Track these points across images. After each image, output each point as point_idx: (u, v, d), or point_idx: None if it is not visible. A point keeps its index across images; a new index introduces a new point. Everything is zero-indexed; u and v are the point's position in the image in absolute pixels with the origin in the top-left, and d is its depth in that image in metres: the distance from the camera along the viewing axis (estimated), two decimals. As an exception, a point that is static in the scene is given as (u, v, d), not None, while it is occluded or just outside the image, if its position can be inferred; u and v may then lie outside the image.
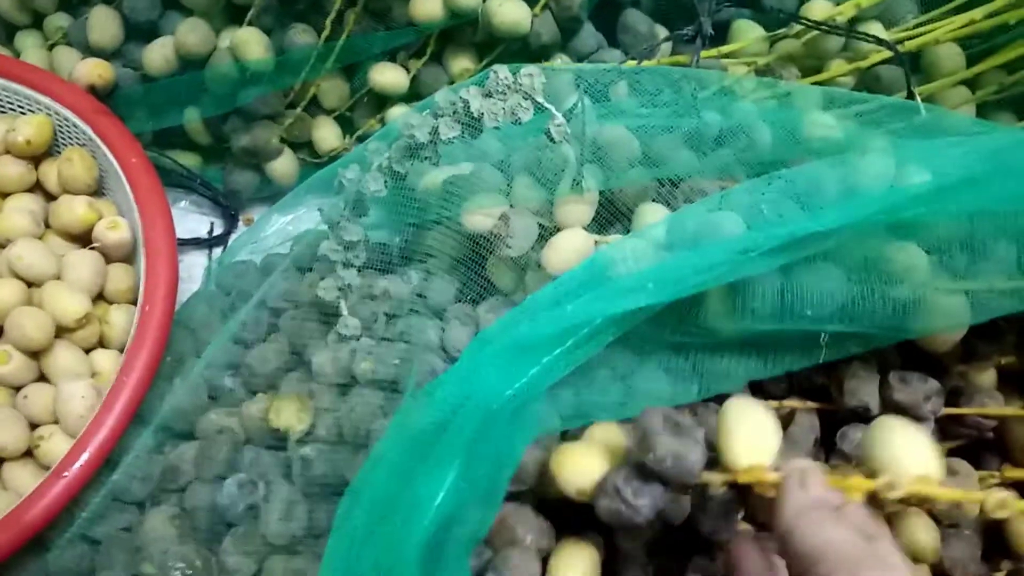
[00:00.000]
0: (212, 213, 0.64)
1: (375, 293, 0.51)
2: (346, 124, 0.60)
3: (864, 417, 0.42)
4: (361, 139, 0.58)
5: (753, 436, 0.31)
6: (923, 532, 0.41)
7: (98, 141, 0.55)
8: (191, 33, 0.56)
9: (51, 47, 0.61)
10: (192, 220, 0.63)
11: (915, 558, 0.41)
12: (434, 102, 0.41)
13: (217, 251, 0.62)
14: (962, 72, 0.52)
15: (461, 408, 0.33)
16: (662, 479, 0.31)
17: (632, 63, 0.49)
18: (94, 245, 0.53)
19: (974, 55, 0.53)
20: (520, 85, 0.39)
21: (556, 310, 0.34)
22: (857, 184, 0.37)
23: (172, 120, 0.59)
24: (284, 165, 0.60)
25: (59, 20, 0.61)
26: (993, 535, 0.44)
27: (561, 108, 0.45)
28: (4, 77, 0.56)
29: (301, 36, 0.55)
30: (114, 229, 0.53)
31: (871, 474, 0.30)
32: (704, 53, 0.52)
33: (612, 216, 0.46)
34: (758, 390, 0.44)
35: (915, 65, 0.54)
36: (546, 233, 0.46)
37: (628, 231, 0.46)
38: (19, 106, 0.57)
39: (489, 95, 0.39)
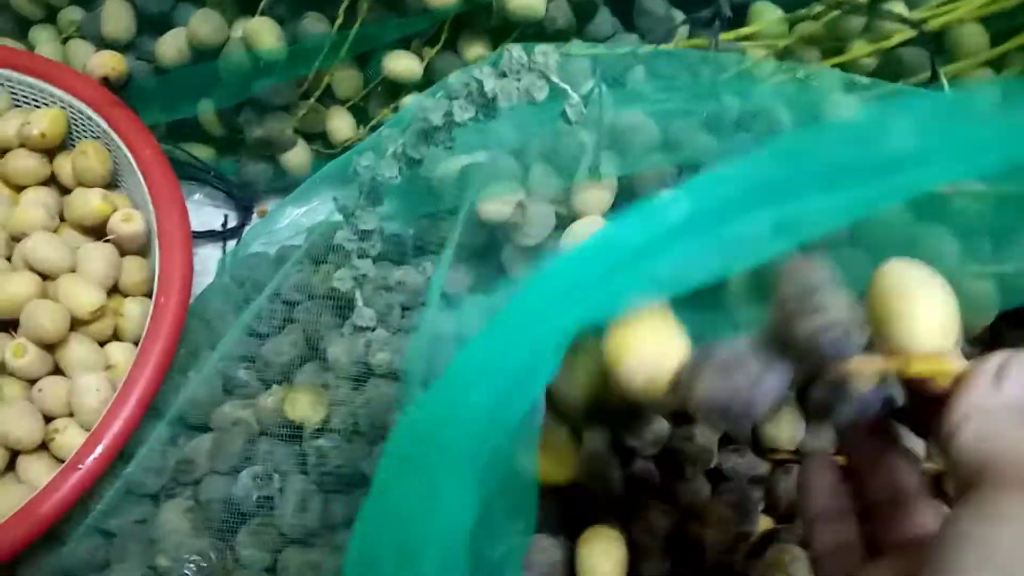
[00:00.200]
0: (226, 205, 0.63)
1: (390, 284, 0.51)
2: (360, 114, 0.60)
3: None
4: (375, 129, 0.57)
5: (934, 313, 0.24)
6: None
7: (112, 133, 0.55)
8: (204, 24, 0.55)
9: (65, 40, 0.60)
10: (206, 213, 0.63)
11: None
12: (448, 84, 0.40)
13: (231, 243, 0.62)
14: (986, 52, 0.51)
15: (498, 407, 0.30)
16: (812, 354, 0.22)
17: (649, 47, 0.48)
18: (109, 238, 0.53)
19: (999, 35, 0.52)
20: (534, 64, 0.38)
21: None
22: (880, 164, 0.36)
23: (186, 112, 0.59)
24: (298, 156, 0.59)
25: (72, 14, 0.60)
26: None
27: (579, 92, 0.45)
28: (18, 71, 0.56)
29: (314, 25, 0.54)
30: (128, 221, 0.53)
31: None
32: (722, 36, 0.51)
33: (631, 203, 0.45)
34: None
35: (938, 46, 0.52)
36: (564, 221, 0.45)
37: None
38: (33, 99, 0.57)
39: (503, 75, 0.38)
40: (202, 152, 0.62)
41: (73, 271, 0.51)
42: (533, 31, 0.53)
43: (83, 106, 0.55)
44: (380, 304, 0.49)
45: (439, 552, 0.27)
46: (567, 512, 0.38)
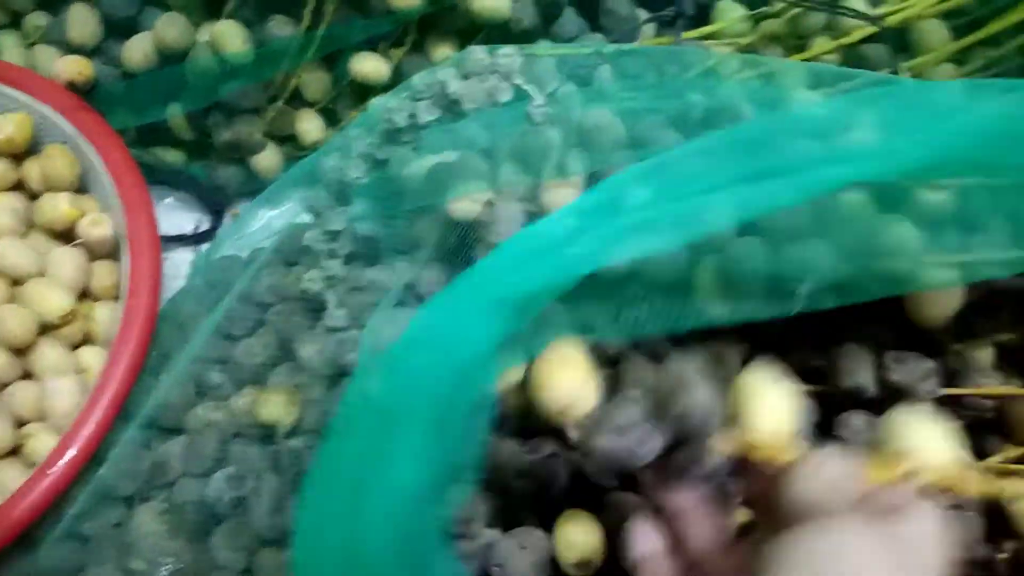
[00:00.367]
0: (198, 209, 0.63)
1: (362, 285, 0.51)
2: (330, 116, 0.60)
3: (861, 399, 0.42)
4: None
5: (778, 408, 0.31)
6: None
7: (79, 138, 0.55)
8: (170, 28, 0.55)
9: (30, 46, 0.60)
10: (178, 217, 0.63)
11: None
12: (412, 85, 0.41)
13: (203, 247, 0.62)
14: (947, 46, 0.52)
15: (431, 370, 0.32)
16: (681, 430, 0.30)
17: (614, 47, 0.48)
18: (77, 242, 0.53)
19: (959, 29, 0.53)
20: (497, 66, 0.38)
21: (555, 252, 0.33)
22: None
23: (154, 116, 0.58)
24: (268, 159, 0.59)
25: (38, 19, 0.60)
26: (995, 515, 0.43)
27: (544, 92, 0.45)
28: (-17, 76, 0.56)
29: (280, 27, 0.54)
30: (97, 225, 0.53)
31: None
32: (686, 34, 0.52)
33: (597, 200, 0.46)
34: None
35: (901, 42, 0.53)
36: (532, 219, 0.46)
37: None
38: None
39: (466, 77, 0.39)
40: (172, 156, 0.62)
41: (42, 276, 0.51)
42: (499, 32, 0.53)
43: (49, 111, 0.55)
44: (353, 305, 0.50)
45: (384, 517, 0.28)
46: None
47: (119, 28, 0.58)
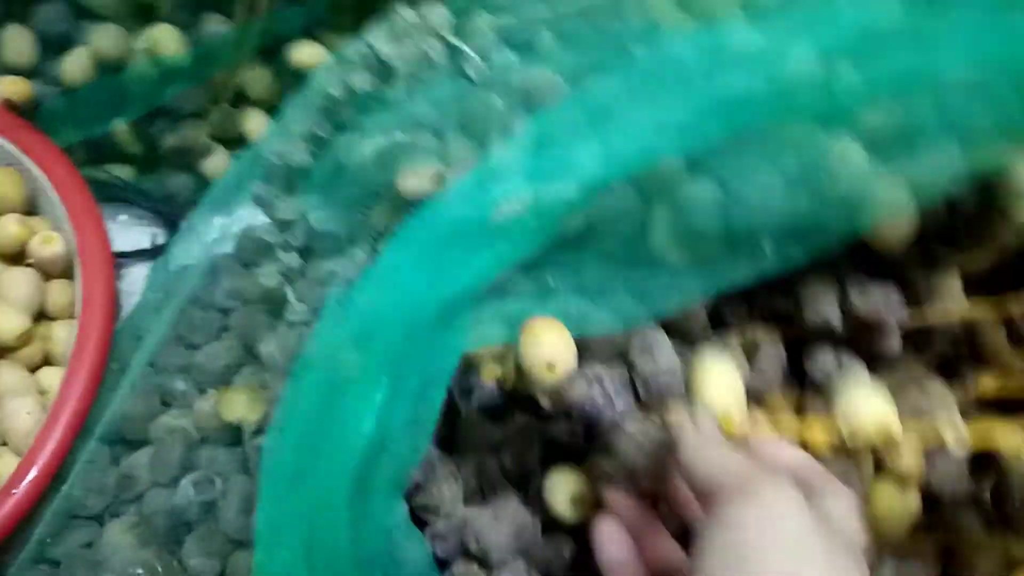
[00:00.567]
0: (154, 223, 0.62)
1: (322, 277, 0.50)
2: (276, 114, 0.58)
3: (828, 334, 0.41)
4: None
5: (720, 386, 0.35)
6: (906, 454, 0.40)
7: (24, 158, 0.54)
8: (105, 38, 0.55)
9: (-34, 71, 0.59)
10: (134, 233, 0.62)
11: (901, 482, 0.40)
12: (344, 56, 0.40)
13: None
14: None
15: (383, 317, 0.32)
16: (645, 390, 0.32)
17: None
18: (29, 262, 0.52)
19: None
20: (427, 24, 0.37)
21: (481, 195, 0.33)
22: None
23: (98, 129, 0.57)
24: (218, 163, 0.58)
25: (-28, 44, 0.59)
26: (981, 454, 0.42)
27: (486, 58, 0.44)
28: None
29: (215, 25, 0.53)
30: (48, 244, 0.52)
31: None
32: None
33: (548, 161, 0.45)
34: (719, 320, 0.43)
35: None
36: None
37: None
38: (-61, 133, 0.56)
39: (397, 39, 0.38)
40: (122, 172, 0.61)
41: (-5, 298, 0.50)
42: (438, 6, 0.52)
43: (-10, 134, 0.54)
44: (313, 298, 0.49)
45: (339, 469, 0.28)
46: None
47: (55, 44, 0.57)
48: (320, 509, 0.31)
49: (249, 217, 0.54)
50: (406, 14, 0.38)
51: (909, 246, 0.41)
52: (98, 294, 0.50)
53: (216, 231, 0.56)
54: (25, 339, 0.49)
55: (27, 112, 0.56)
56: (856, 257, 0.42)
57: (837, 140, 0.35)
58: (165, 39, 0.53)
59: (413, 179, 0.45)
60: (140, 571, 0.41)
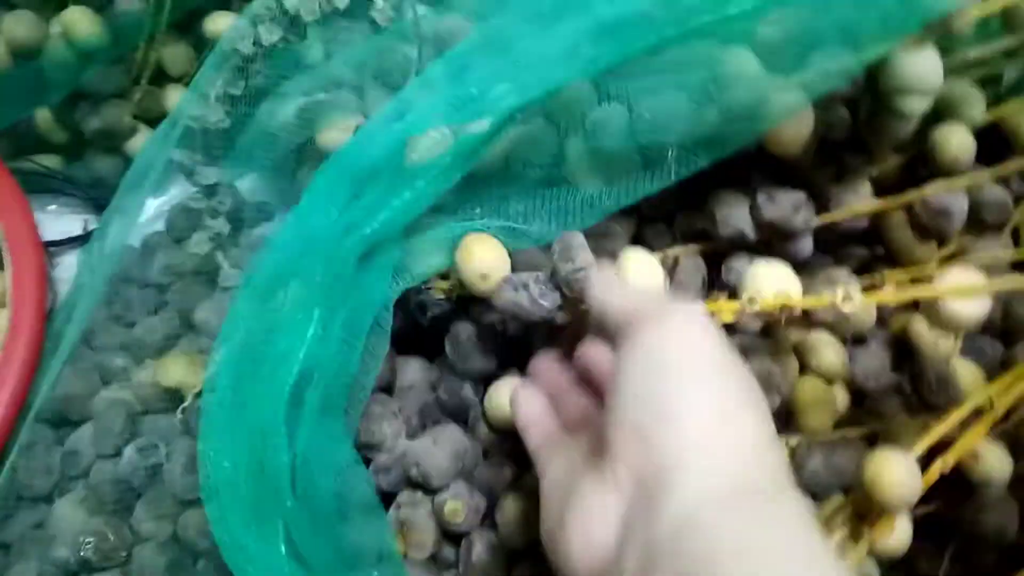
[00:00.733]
0: (85, 210, 0.62)
1: (254, 243, 0.50)
2: (196, 87, 0.59)
3: (742, 244, 0.42)
4: (217, 101, 0.56)
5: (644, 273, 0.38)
6: (828, 351, 0.42)
7: (-58, 152, 0.54)
8: (18, 25, 0.54)
9: None
10: (66, 221, 0.61)
11: (826, 378, 0.42)
12: (250, 10, 0.40)
13: (93, 245, 0.60)
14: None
15: (305, 250, 0.33)
16: (568, 288, 0.35)
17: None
18: (-41, 255, 0.51)
19: None
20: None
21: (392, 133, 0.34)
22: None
23: (17, 116, 0.57)
24: (143, 143, 0.58)
25: None
26: (901, 347, 0.44)
27: (398, 15, 0.45)
28: None
29: (129, 2, 0.53)
30: (-27, 235, 0.51)
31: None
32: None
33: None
34: (642, 244, 0.44)
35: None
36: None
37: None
38: None
39: (300, -11, 0.38)
40: (49, 161, 0.61)
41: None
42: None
43: (-93, 128, 0.54)
44: (246, 263, 0.49)
45: (273, 387, 0.28)
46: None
47: (-34, 36, 0.56)
48: (260, 431, 0.32)
49: (179, 195, 0.55)
50: (307, -37, 0.38)
51: (816, 155, 0.43)
52: (28, 280, 0.50)
53: (147, 211, 0.56)
54: (-41, 329, 0.48)
55: (-56, 106, 0.56)
56: (766, 171, 0.44)
57: (733, 53, 0.37)
58: (79, 21, 0.53)
59: (334, 133, 0.46)
60: (91, 540, 0.41)
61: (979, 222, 0.44)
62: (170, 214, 0.53)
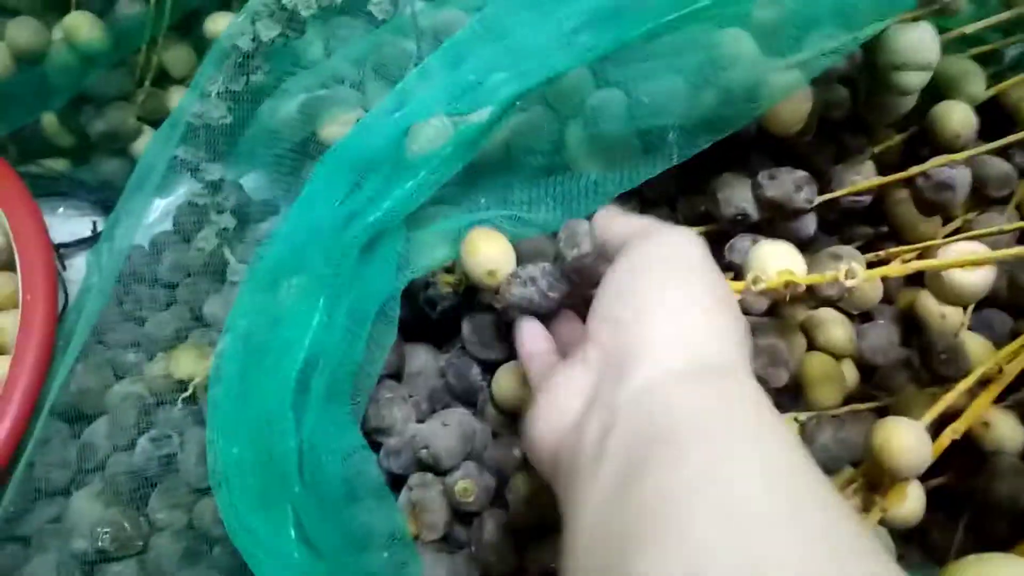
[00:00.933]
0: (93, 212, 0.63)
1: (260, 237, 0.51)
2: (199, 88, 0.59)
3: (745, 225, 0.42)
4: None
5: None
6: (836, 328, 0.42)
7: (-49, 156, 0.54)
8: (21, 31, 0.55)
9: None
10: (75, 224, 0.62)
11: (835, 354, 0.42)
12: (249, 6, 0.40)
13: (103, 246, 0.61)
14: None
15: (309, 240, 0.33)
16: (577, 275, 0.34)
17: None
18: (-30, 258, 0.52)
19: None
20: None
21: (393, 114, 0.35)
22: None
23: (23, 121, 0.58)
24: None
25: None
26: (908, 322, 0.44)
27: (396, 9, 0.46)
28: None
29: (129, 5, 0.54)
30: (-15, 239, 0.52)
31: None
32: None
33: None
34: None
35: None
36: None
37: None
38: None
39: (296, -17, 0.39)
40: (56, 164, 0.61)
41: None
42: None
43: (-83, 133, 0.54)
44: (253, 258, 0.49)
45: (278, 375, 0.29)
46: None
47: (-30, 43, 0.57)
48: (266, 418, 0.32)
49: (186, 195, 0.55)
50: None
51: (816, 135, 0.43)
52: (38, 279, 0.50)
53: (155, 211, 0.56)
54: (-28, 330, 0.49)
55: (-50, 111, 0.56)
56: (767, 152, 0.44)
57: (729, 35, 0.37)
58: (81, 26, 0.53)
59: (335, 127, 0.46)
60: (108, 530, 0.42)
61: (983, 197, 0.44)
62: (177, 214, 0.54)
